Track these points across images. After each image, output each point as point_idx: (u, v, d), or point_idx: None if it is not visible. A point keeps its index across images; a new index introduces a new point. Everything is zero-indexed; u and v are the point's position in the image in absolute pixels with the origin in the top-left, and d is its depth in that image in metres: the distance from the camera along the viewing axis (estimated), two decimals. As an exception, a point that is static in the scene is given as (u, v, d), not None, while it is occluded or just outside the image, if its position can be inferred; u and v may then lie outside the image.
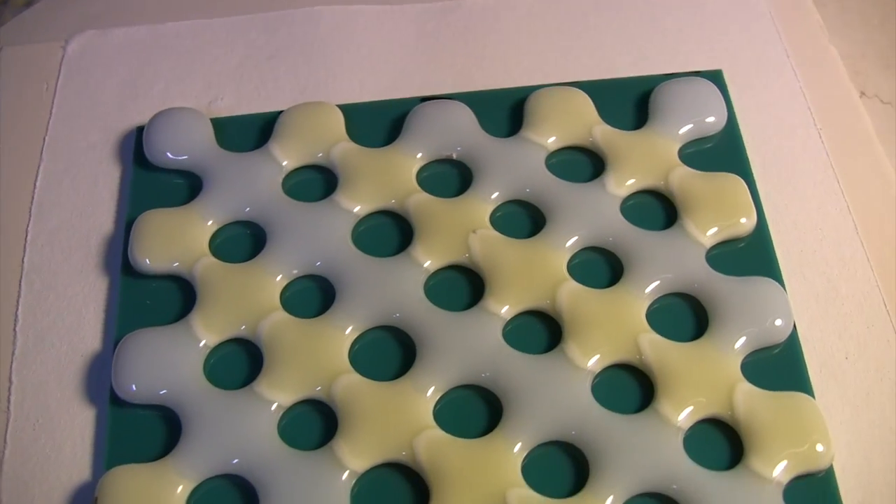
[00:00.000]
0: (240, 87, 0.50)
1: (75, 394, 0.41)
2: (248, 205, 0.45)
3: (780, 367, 0.42)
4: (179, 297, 0.43)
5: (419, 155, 0.47)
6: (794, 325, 0.42)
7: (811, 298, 0.44)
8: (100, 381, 0.42)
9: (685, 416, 0.39)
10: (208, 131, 0.47)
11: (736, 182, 0.46)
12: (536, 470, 0.39)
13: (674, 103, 0.49)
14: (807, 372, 0.41)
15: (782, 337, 0.42)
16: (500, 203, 0.46)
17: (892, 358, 0.43)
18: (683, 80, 0.50)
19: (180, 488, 0.38)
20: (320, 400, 0.40)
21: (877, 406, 0.41)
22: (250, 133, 0.48)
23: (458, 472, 0.38)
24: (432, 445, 0.39)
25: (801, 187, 0.48)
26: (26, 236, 0.46)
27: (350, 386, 0.40)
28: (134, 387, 0.40)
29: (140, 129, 0.48)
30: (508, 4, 0.54)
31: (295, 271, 0.43)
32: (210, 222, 0.45)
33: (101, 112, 0.50)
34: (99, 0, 0.54)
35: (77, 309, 0.44)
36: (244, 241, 0.45)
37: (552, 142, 0.47)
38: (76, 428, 0.41)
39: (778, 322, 0.42)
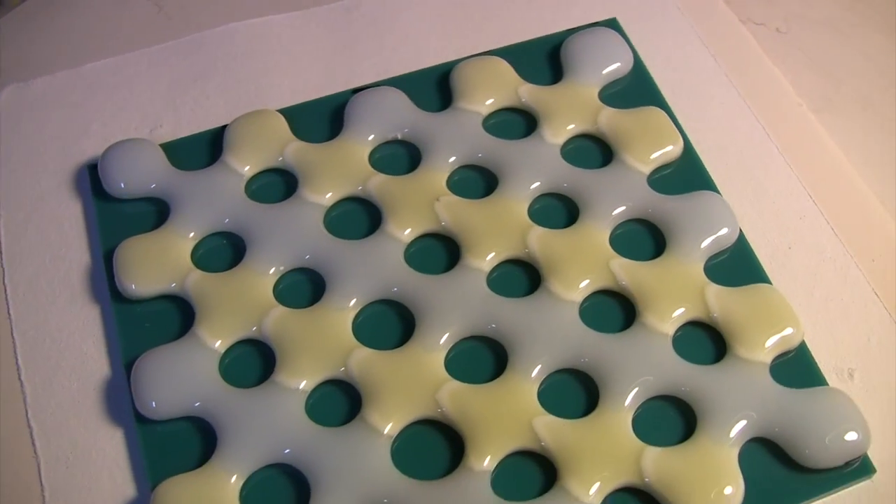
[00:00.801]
0: (175, 111, 0.52)
1: (98, 425, 0.42)
2: (219, 216, 0.47)
3: (736, 266, 0.46)
4: (175, 314, 0.44)
5: (370, 137, 0.49)
6: (740, 229, 0.47)
7: (746, 203, 0.48)
8: (119, 407, 0.42)
9: (669, 324, 0.43)
10: (161, 156, 0.49)
11: (658, 114, 0.50)
12: (552, 398, 0.42)
13: (584, 54, 0.52)
14: (760, 265, 0.46)
15: (731, 240, 0.46)
16: (452, 170, 0.49)
17: (828, 240, 0.47)
18: (587, 32, 0.53)
19: (230, 488, 0.39)
20: (339, 379, 0.42)
21: (825, 283, 0.46)
22: (201, 151, 0.49)
23: (484, 415, 0.41)
24: (454, 396, 0.41)
25: (710, 109, 0.52)
26: (5, 289, 0.46)
27: (364, 360, 0.42)
28: (154, 404, 0.41)
29: (90, 167, 0.49)
30: (407, -8, 0.57)
31: (281, 268, 0.45)
32: (190, 236, 0.46)
33: (46, 158, 0.50)
34: (8, 54, 0.54)
35: (76, 346, 0.44)
36: (225, 251, 0.46)
37: (484, 107, 0.51)
38: (108, 457, 0.41)
39: (726, 229, 0.46)
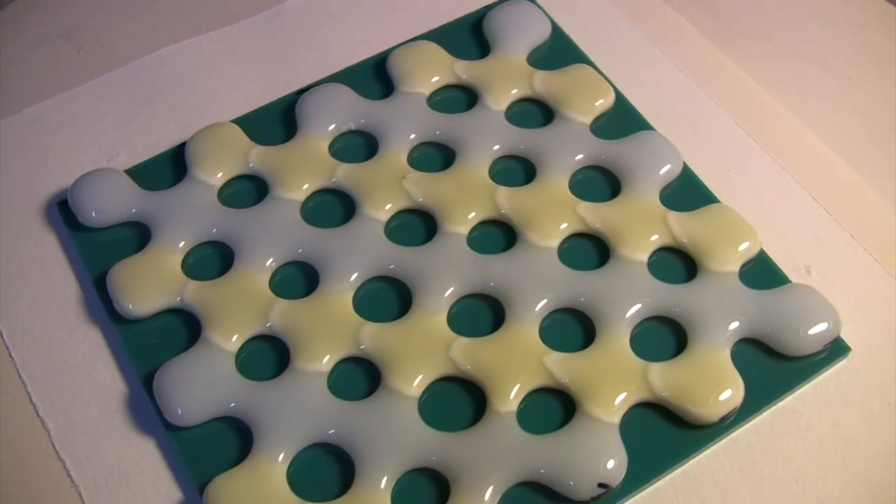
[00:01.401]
0: (128, 139, 0.52)
1: (129, 443, 0.43)
2: (201, 227, 0.48)
3: (687, 193, 0.50)
4: (178, 325, 0.45)
5: (330, 128, 0.51)
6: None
7: (684, 138, 0.52)
8: (144, 421, 0.43)
9: (642, 252, 0.47)
10: (128, 181, 0.49)
11: (586, 70, 0.54)
12: (553, 337, 0.44)
13: (505, 26, 0.56)
14: (708, 189, 0.50)
15: (677, 171, 0.50)
16: (411, 149, 0.51)
17: (760, 157, 0.51)
18: (503, 6, 0.57)
19: (277, 473, 0.41)
20: (354, 355, 0.44)
21: (769, 199, 0.50)
22: (164, 171, 0.50)
23: (497, 362, 0.43)
24: (466, 350, 0.43)
25: (629, 59, 0.56)
26: (1, 335, 0.46)
27: (374, 333, 0.44)
28: (181, 410, 0.42)
29: (59, 203, 0.49)
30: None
31: (273, 264, 0.47)
32: (178, 248, 0.47)
33: (11, 202, 0.50)
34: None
35: (87, 374, 0.45)
36: (214, 259, 0.48)
37: (426, 87, 0.53)
38: (145, 470, 0.42)
39: (670, 162, 0.50)
